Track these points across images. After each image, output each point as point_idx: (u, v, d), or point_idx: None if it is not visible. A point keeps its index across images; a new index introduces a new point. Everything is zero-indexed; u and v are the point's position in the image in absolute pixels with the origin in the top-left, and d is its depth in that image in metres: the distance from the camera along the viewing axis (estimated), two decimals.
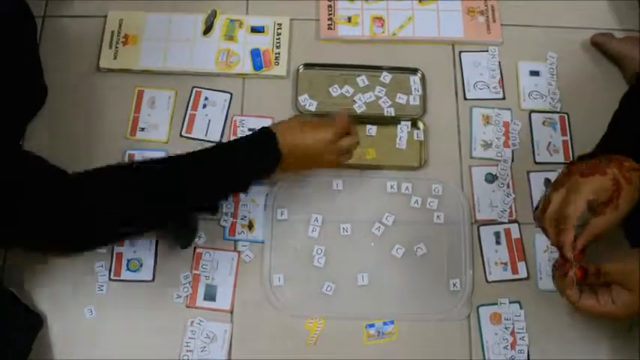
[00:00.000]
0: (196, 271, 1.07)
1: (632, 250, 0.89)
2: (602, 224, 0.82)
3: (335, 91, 1.19)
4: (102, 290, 1.05)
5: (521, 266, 1.09)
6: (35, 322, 1.02)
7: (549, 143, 1.17)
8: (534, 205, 1.12)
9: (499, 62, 1.23)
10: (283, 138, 0.97)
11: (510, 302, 1.07)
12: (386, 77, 1.20)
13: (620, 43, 1.20)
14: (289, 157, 0.98)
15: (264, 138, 0.98)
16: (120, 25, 1.21)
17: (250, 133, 1.01)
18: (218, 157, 0.97)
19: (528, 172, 1.15)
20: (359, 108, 1.18)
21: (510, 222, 1.12)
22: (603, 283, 0.82)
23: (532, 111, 1.20)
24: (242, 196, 1.11)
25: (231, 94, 1.18)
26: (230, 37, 1.21)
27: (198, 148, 0.97)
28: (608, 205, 0.82)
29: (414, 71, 1.21)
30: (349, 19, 1.24)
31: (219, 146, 1.06)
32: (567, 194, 0.84)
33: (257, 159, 0.98)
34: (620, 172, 0.83)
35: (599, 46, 1.23)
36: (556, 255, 1.08)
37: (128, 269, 1.07)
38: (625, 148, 0.86)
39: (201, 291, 1.06)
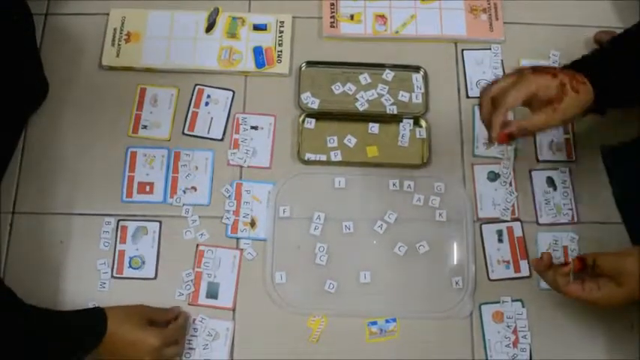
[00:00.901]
0: (198, 269, 1.07)
1: (628, 247, 0.91)
2: (536, 121, 0.89)
3: (337, 88, 1.19)
4: (104, 288, 1.06)
5: (523, 264, 1.09)
6: None
7: (552, 141, 1.17)
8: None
9: (502, 60, 1.22)
10: (113, 322, 0.93)
11: (512, 300, 1.07)
12: (388, 75, 1.20)
13: None
14: (108, 344, 0.93)
15: (92, 314, 0.95)
16: (122, 23, 1.21)
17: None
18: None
19: (530, 171, 1.15)
20: (361, 106, 1.18)
21: (513, 220, 1.12)
22: (594, 274, 0.89)
23: None
24: (244, 193, 1.11)
25: (234, 91, 1.18)
26: (232, 35, 1.21)
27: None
28: (548, 105, 0.88)
29: (416, 69, 1.21)
30: (352, 17, 1.24)
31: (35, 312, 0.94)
32: (515, 82, 0.89)
33: (78, 331, 0.94)
34: (570, 81, 0.88)
35: (602, 43, 1.22)
36: (557, 254, 1.09)
37: (130, 267, 1.07)
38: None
39: (203, 289, 1.06)
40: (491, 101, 0.91)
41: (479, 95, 0.94)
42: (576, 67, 0.95)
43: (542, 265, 0.94)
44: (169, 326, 1.00)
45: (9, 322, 0.89)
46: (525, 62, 1.22)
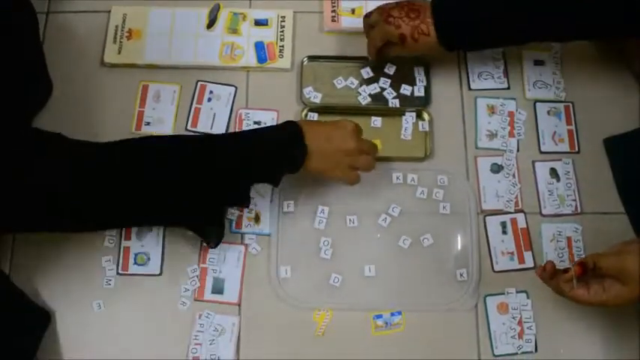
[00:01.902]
0: (204, 265, 1.07)
1: (628, 242, 0.91)
2: (390, 51, 1.13)
3: (339, 82, 1.19)
4: (110, 284, 1.06)
5: (527, 256, 1.10)
6: (42, 318, 1.02)
7: (554, 132, 1.17)
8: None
9: (503, 52, 1.22)
10: (309, 132, 0.97)
11: (517, 292, 1.07)
12: (390, 68, 1.20)
13: None
14: (315, 154, 0.97)
15: (290, 130, 0.97)
16: (124, 20, 1.21)
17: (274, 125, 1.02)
18: (239, 144, 0.96)
19: (534, 162, 1.15)
20: (363, 100, 1.18)
21: (517, 212, 1.12)
22: (598, 275, 0.88)
23: (537, 100, 1.19)
24: None
25: (236, 87, 1.18)
26: (234, 31, 1.21)
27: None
28: (396, 45, 1.10)
29: (418, 62, 1.21)
30: (353, 11, 1.24)
31: (239, 134, 1.02)
32: (376, 23, 1.10)
33: (284, 148, 0.96)
34: (412, 32, 1.06)
35: None
36: (562, 242, 1.10)
37: (136, 263, 1.07)
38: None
39: (208, 284, 1.06)
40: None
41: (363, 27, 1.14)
42: (435, 7, 1.06)
43: (547, 274, 0.93)
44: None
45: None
46: (527, 53, 1.22)
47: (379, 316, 1.06)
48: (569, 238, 1.10)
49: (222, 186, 0.94)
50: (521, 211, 1.12)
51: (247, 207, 1.04)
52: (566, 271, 0.91)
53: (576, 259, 1.09)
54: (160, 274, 1.07)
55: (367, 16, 1.12)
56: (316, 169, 0.99)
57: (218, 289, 1.06)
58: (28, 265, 1.06)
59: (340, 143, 0.99)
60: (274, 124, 1.15)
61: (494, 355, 1.05)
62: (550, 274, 0.93)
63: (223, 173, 0.93)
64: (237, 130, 1.15)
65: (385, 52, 1.13)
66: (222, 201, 0.99)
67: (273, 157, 0.96)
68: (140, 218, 0.98)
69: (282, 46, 1.20)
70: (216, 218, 1.00)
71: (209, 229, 1.01)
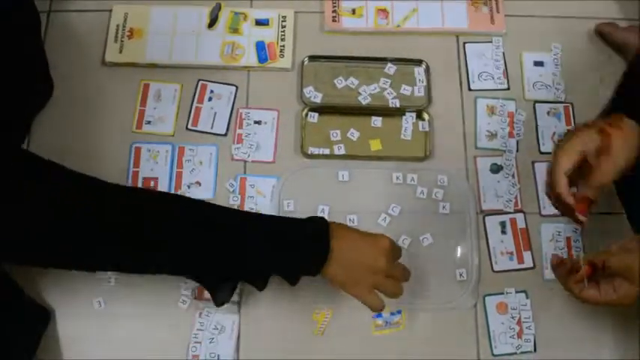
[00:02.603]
0: None
1: (633, 239, 0.90)
2: (599, 176, 0.86)
3: (340, 82, 1.19)
4: (110, 282, 1.06)
5: (527, 256, 1.10)
6: (41, 316, 1.02)
7: (554, 133, 1.18)
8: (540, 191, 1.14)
9: (503, 53, 1.23)
10: (337, 236, 0.87)
11: (516, 292, 1.08)
12: (390, 69, 1.20)
13: (624, 32, 1.20)
14: (338, 260, 0.86)
15: (316, 226, 0.88)
16: (125, 19, 1.21)
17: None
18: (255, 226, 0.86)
19: (533, 162, 1.16)
20: (364, 99, 1.18)
21: (516, 212, 1.12)
22: (607, 274, 0.86)
23: (536, 101, 1.20)
24: (248, 188, 1.11)
25: (237, 86, 1.18)
26: (235, 30, 1.22)
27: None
28: (601, 155, 0.85)
29: (418, 62, 1.21)
30: (353, 11, 1.24)
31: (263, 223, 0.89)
32: (556, 153, 0.88)
33: (303, 246, 0.87)
34: (606, 122, 0.86)
35: (604, 35, 1.23)
36: (561, 242, 1.10)
37: None
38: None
39: None
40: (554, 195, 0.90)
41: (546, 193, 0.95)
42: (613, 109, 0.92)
43: (565, 269, 0.89)
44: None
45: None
46: (527, 54, 1.23)
47: (379, 315, 1.06)
48: (568, 239, 1.11)
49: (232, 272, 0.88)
50: (521, 211, 1.13)
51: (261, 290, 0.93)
52: (576, 270, 0.88)
53: (575, 258, 1.09)
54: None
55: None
56: (335, 279, 0.88)
57: None
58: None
59: (369, 259, 0.88)
60: (273, 124, 1.15)
61: (493, 354, 1.05)
62: (568, 271, 0.89)
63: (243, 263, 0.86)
64: (237, 130, 1.15)
65: (592, 186, 0.88)
66: (237, 280, 0.93)
67: (288, 255, 0.87)
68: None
69: (283, 46, 1.20)
70: (227, 284, 0.93)
71: (220, 290, 0.93)
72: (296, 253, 0.87)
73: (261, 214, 0.90)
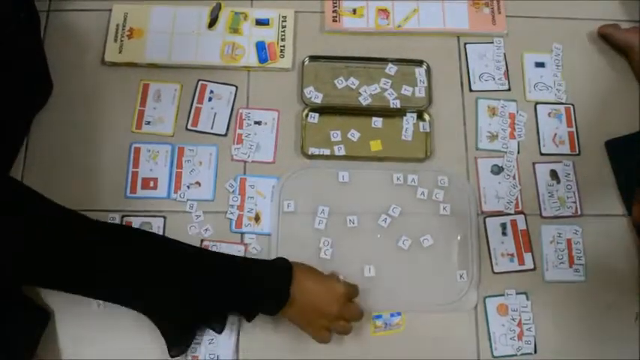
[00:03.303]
0: None
1: None
2: None
3: (340, 83, 1.19)
4: None
5: (527, 257, 1.10)
6: (41, 317, 1.02)
7: (555, 134, 1.17)
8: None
9: (504, 54, 1.23)
10: (298, 281, 0.95)
11: (517, 293, 1.08)
12: (391, 69, 1.20)
13: (627, 33, 1.20)
14: (295, 305, 0.95)
15: (280, 266, 0.97)
16: (125, 19, 1.21)
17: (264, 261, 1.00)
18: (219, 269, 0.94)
19: (534, 164, 1.15)
20: (364, 100, 1.18)
21: (517, 213, 1.12)
22: None
23: (538, 102, 1.20)
24: (248, 188, 1.11)
25: (237, 87, 1.18)
26: (235, 30, 1.21)
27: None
28: None
29: (419, 63, 1.21)
30: (354, 11, 1.24)
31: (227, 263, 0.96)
32: None
33: (267, 293, 0.95)
34: None
35: (607, 36, 1.22)
36: (562, 243, 1.10)
37: None
38: None
39: None
40: None
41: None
42: None
43: None
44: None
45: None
46: (528, 55, 1.22)
47: (379, 317, 1.06)
48: (569, 240, 1.11)
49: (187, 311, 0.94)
50: (522, 212, 1.12)
51: (219, 333, 1.02)
52: None
53: (576, 261, 1.09)
54: None
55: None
56: (291, 319, 0.98)
57: None
58: None
59: (323, 305, 0.96)
60: (273, 125, 1.15)
61: (493, 356, 1.05)
62: None
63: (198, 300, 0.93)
64: (237, 131, 1.15)
65: None
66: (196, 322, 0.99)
67: (253, 297, 0.95)
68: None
69: (283, 46, 1.20)
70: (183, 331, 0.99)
71: (173, 336, 0.99)
72: (259, 299, 0.96)
73: (228, 258, 0.96)
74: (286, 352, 1.04)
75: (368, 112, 1.17)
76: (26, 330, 0.99)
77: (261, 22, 1.22)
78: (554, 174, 1.15)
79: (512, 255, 1.10)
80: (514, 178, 1.14)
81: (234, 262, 0.96)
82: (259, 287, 0.95)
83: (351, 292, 1.00)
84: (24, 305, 1.01)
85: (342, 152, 1.14)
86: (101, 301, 1.04)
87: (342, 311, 0.97)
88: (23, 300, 1.01)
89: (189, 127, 1.15)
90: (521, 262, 1.09)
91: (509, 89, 1.20)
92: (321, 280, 0.98)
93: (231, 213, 1.10)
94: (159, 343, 1.03)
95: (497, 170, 1.15)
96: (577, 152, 1.16)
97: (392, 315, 1.06)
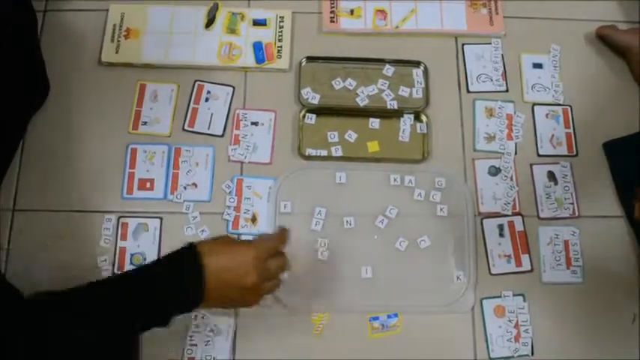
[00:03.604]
0: None
1: None
2: None
3: (338, 84, 1.18)
4: None
5: (524, 259, 1.09)
6: None
7: (552, 136, 1.17)
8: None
9: (502, 55, 1.22)
10: (209, 259, 0.85)
11: (514, 295, 1.07)
12: (389, 70, 1.20)
13: (625, 34, 1.20)
14: (212, 297, 0.85)
15: (188, 267, 0.86)
16: (122, 19, 1.20)
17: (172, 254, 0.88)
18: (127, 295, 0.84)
19: (531, 165, 1.15)
20: (362, 101, 1.18)
21: (514, 214, 1.12)
22: None
23: (535, 103, 1.19)
24: (245, 189, 1.11)
25: (234, 87, 1.18)
26: (232, 31, 1.21)
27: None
28: None
29: (416, 64, 1.20)
30: (352, 12, 1.23)
31: (129, 279, 0.87)
32: None
33: (178, 289, 0.85)
34: None
35: (605, 38, 1.22)
36: (559, 245, 1.09)
37: (132, 264, 1.07)
38: None
39: None
40: None
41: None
42: None
43: None
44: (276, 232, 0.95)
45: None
46: (526, 56, 1.22)
47: (376, 318, 1.05)
48: (566, 242, 1.10)
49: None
50: (519, 214, 1.12)
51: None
52: None
53: (574, 262, 1.09)
54: None
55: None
56: (215, 306, 0.91)
57: None
58: (24, 264, 1.06)
59: (241, 281, 0.86)
60: (270, 125, 1.15)
61: (490, 358, 1.05)
62: None
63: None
64: (234, 131, 1.15)
65: None
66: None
67: (161, 311, 0.85)
68: None
69: (281, 47, 1.20)
70: None
71: None
72: (168, 310, 0.85)
73: (124, 278, 0.88)
74: (283, 354, 1.03)
75: (365, 113, 1.17)
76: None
77: (258, 23, 1.22)
78: (551, 175, 1.14)
79: (509, 256, 1.10)
80: (511, 179, 1.14)
81: (129, 282, 0.86)
82: (165, 300, 0.85)
83: (267, 247, 0.91)
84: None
85: (339, 153, 1.14)
86: None
87: (262, 274, 0.88)
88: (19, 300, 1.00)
89: (185, 127, 1.15)
90: (519, 263, 1.09)
91: (506, 90, 1.20)
92: (231, 256, 0.87)
93: (228, 214, 1.09)
94: (154, 345, 1.02)
95: (494, 171, 1.15)
96: (575, 153, 1.16)
97: (389, 316, 1.06)
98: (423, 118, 1.17)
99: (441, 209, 1.11)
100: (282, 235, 0.94)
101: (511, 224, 1.11)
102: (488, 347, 1.05)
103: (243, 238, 1.08)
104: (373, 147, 1.15)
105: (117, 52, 1.18)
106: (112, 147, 1.13)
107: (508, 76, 1.21)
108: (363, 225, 1.10)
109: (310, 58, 1.20)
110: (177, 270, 0.86)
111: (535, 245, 1.10)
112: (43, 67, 1.14)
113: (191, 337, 1.03)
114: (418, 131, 1.16)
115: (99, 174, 1.11)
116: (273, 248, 0.92)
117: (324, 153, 1.14)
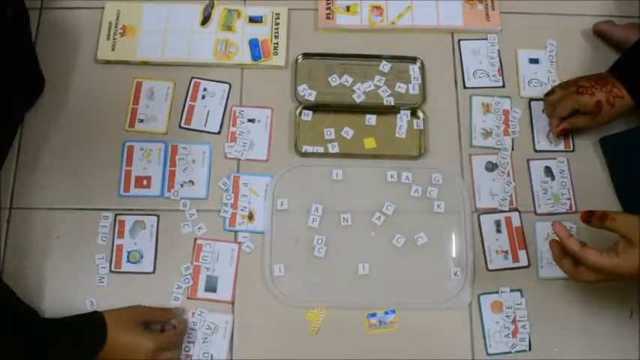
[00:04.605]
0: (197, 263, 1.07)
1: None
2: (580, 122, 1.11)
3: (334, 80, 1.18)
4: (102, 282, 1.05)
5: (522, 254, 1.09)
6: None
7: (549, 131, 1.17)
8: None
9: (498, 50, 1.22)
10: (112, 328, 0.94)
11: (511, 290, 1.07)
12: (385, 66, 1.20)
13: (623, 30, 1.20)
14: (107, 352, 0.93)
15: (92, 323, 0.95)
16: (117, 16, 1.20)
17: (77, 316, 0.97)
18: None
19: (528, 160, 1.15)
20: (358, 97, 1.18)
21: (511, 210, 1.12)
22: (605, 228, 0.88)
23: (532, 99, 1.19)
24: (242, 186, 1.11)
25: (230, 84, 1.18)
26: (228, 28, 1.21)
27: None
28: (587, 115, 1.09)
29: (413, 60, 1.20)
30: (348, 9, 1.23)
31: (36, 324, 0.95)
32: (563, 97, 1.10)
33: (78, 342, 0.94)
34: (607, 97, 1.06)
35: (602, 33, 1.22)
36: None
37: (129, 261, 1.07)
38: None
39: (202, 282, 1.06)
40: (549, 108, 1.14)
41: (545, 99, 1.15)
42: (616, 72, 1.08)
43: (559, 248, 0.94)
44: (167, 332, 1.00)
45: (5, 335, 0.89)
46: (522, 52, 1.22)
47: (373, 315, 1.05)
48: None
49: None
50: (516, 209, 1.12)
51: None
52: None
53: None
54: (153, 272, 1.07)
55: (549, 94, 1.13)
56: None
57: (211, 287, 1.06)
58: (19, 262, 1.06)
59: (138, 344, 0.95)
60: (266, 122, 1.15)
61: (487, 353, 1.05)
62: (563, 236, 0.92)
63: None
64: (230, 129, 1.15)
65: (572, 124, 1.12)
66: None
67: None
68: None
69: (277, 44, 1.20)
70: None
71: None
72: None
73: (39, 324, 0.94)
74: (280, 351, 1.04)
75: (362, 109, 1.17)
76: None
77: (254, 20, 1.22)
78: (548, 171, 1.14)
79: (506, 252, 1.10)
80: (508, 175, 1.14)
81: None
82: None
83: (166, 343, 0.97)
84: (14, 307, 0.99)
85: (336, 150, 1.14)
86: (93, 299, 1.04)
87: (159, 351, 0.96)
88: (13, 301, 1.00)
89: (182, 125, 1.15)
90: (516, 259, 1.09)
91: (503, 86, 1.20)
92: (132, 336, 0.95)
93: (225, 211, 1.09)
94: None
95: (491, 167, 1.14)
96: (571, 149, 1.16)
97: (386, 313, 1.06)
98: (420, 114, 1.17)
99: (438, 205, 1.11)
100: (179, 331, 1.01)
101: (508, 220, 1.11)
102: (485, 343, 1.05)
103: (240, 235, 1.08)
104: (370, 143, 1.15)
105: (113, 50, 1.18)
106: (108, 145, 1.13)
107: (504, 71, 1.21)
108: (360, 222, 1.10)
109: (306, 55, 1.20)
110: (84, 325, 0.95)
111: (532, 241, 1.10)
112: (37, 64, 1.13)
113: (188, 334, 1.03)
114: (415, 127, 1.16)
115: (95, 172, 1.11)
116: (170, 344, 0.98)
117: (320, 150, 1.14)
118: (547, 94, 1.13)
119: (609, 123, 1.11)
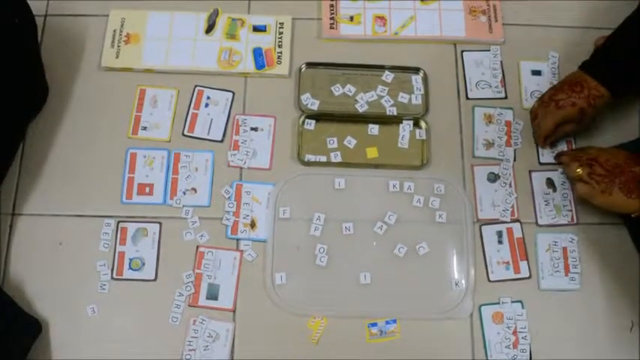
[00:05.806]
0: (199, 270, 1.07)
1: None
2: (567, 130, 1.12)
3: (337, 90, 1.19)
4: (104, 289, 1.05)
5: (523, 265, 1.10)
6: (31, 328, 1.01)
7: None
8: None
9: (501, 62, 1.23)
10: None
11: (512, 301, 1.07)
12: (388, 76, 1.20)
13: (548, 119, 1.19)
14: None
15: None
16: (122, 24, 1.21)
17: None
18: None
19: (530, 172, 1.15)
20: (361, 107, 1.18)
21: (512, 221, 1.12)
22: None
23: None
24: (244, 194, 1.11)
25: (234, 93, 1.18)
26: (232, 36, 1.21)
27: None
28: (572, 123, 1.10)
29: (416, 70, 1.21)
30: (351, 19, 1.24)
31: None
32: (544, 115, 1.11)
33: None
34: (587, 101, 1.07)
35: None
36: (557, 252, 1.10)
37: (130, 268, 1.07)
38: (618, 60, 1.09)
39: (203, 290, 1.06)
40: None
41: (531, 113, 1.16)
42: (589, 69, 1.09)
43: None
44: None
45: None
46: (524, 63, 1.22)
47: (374, 324, 1.05)
48: (564, 249, 1.10)
49: None
50: (517, 220, 1.12)
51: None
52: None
53: (572, 269, 1.09)
54: (155, 279, 1.07)
55: (532, 119, 1.15)
56: None
57: (213, 295, 1.06)
58: (22, 268, 1.06)
59: None
60: (269, 131, 1.15)
61: None
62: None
63: None
64: (233, 137, 1.15)
65: (558, 133, 1.13)
66: None
67: None
68: None
69: (281, 53, 1.20)
70: None
71: None
72: None
73: None
74: (281, 358, 1.03)
75: (364, 119, 1.17)
76: (14, 341, 0.98)
77: (258, 29, 1.22)
78: (550, 182, 1.15)
79: (507, 263, 1.10)
80: (510, 185, 1.14)
81: None
82: None
83: None
84: (14, 316, 1.00)
85: (339, 159, 1.14)
86: (95, 306, 1.04)
87: None
88: (14, 311, 1.00)
89: (185, 132, 1.15)
90: (517, 270, 1.09)
91: (505, 97, 1.21)
92: None
93: (227, 219, 1.10)
94: (152, 350, 1.03)
95: (493, 178, 1.15)
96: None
97: (387, 322, 1.06)
98: (422, 124, 1.17)
99: (439, 215, 1.11)
100: None
101: (510, 231, 1.11)
102: (486, 354, 1.05)
103: (242, 243, 1.08)
104: (372, 153, 1.15)
105: (117, 57, 1.19)
106: (111, 152, 1.13)
107: (507, 83, 1.21)
108: (362, 231, 1.10)
109: (310, 64, 1.20)
110: None
111: (533, 252, 1.10)
112: (42, 71, 1.14)
113: (190, 342, 1.03)
114: (417, 138, 1.17)
115: (98, 179, 1.12)
116: None
117: (323, 159, 1.14)
118: (532, 119, 1.15)
119: (594, 122, 1.15)
